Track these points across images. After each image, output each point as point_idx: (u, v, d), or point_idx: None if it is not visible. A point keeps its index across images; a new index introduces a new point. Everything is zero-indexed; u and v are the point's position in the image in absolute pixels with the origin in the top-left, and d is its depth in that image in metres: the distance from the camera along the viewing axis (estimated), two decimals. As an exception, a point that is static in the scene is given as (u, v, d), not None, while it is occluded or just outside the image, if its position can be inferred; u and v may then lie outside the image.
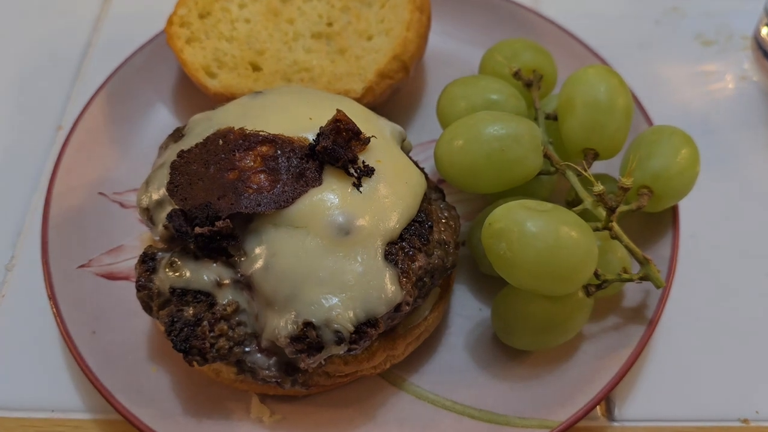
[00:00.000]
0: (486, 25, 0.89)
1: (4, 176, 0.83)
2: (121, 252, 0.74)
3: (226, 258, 0.59)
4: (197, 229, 0.58)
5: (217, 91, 0.78)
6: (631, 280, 0.63)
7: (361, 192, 0.59)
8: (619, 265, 0.64)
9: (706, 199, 0.79)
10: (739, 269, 0.75)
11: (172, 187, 0.61)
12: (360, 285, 0.56)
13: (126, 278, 0.72)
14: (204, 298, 0.59)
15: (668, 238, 0.71)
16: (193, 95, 0.84)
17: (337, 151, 0.59)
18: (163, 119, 0.84)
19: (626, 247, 0.64)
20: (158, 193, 0.62)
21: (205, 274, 0.59)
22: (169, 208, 0.61)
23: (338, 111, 0.60)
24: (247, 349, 0.59)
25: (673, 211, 0.72)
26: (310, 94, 0.70)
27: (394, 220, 0.59)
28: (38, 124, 0.88)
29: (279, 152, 0.61)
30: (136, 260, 0.62)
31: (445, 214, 0.65)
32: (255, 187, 0.59)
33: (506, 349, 0.67)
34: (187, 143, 0.64)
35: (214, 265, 0.59)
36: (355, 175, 0.60)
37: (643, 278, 0.64)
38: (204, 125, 0.66)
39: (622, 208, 0.64)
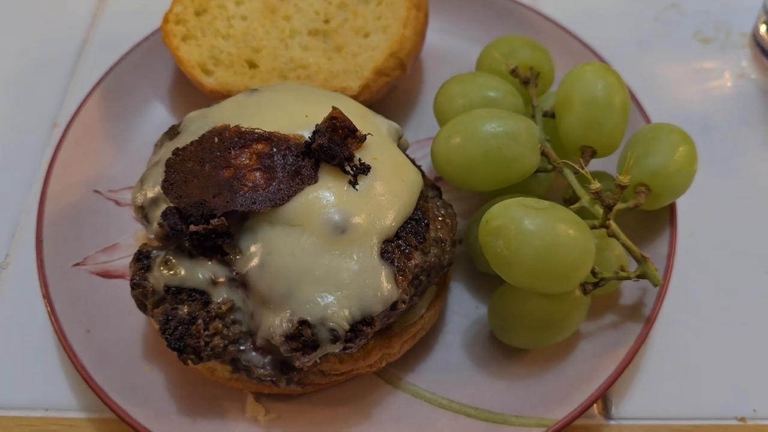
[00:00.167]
0: (483, 22, 0.88)
1: (-1, 174, 0.83)
2: (116, 250, 0.74)
3: (221, 256, 0.59)
4: (192, 227, 0.58)
5: (213, 88, 0.78)
6: (628, 278, 0.63)
7: (357, 190, 0.59)
8: (616, 263, 0.64)
9: (705, 197, 0.79)
10: (737, 267, 0.75)
11: (167, 185, 0.60)
12: (356, 283, 0.56)
13: (121, 276, 0.71)
14: (199, 296, 0.58)
15: (666, 236, 0.70)
16: (189, 93, 0.83)
17: (333, 149, 0.59)
18: (159, 117, 0.83)
19: (623, 245, 0.64)
20: (153, 191, 0.62)
21: (200, 273, 0.59)
22: (164, 206, 0.60)
23: (334, 108, 0.60)
24: (242, 348, 0.59)
25: (671, 209, 0.71)
26: (306, 92, 0.69)
27: (390, 218, 0.59)
28: (34, 122, 0.87)
29: (275, 150, 0.61)
30: (131, 258, 0.61)
31: (442, 212, 0.65)
32: (250, 184, 0.59)
33: (503, 347, 0.67)
34: (182, 141, 0.64)
35: (209, 263, 0.59)
36: (351, 172, 0.60)
37: (641, 276, 0.63)
38: (199, 123, 0.65)
39: (620, 205, 0.64)
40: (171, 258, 0.59)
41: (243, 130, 0.62)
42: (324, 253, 0.57)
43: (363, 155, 0.61)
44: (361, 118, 0.64)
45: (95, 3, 1.00)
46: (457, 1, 0.90)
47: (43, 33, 0.96)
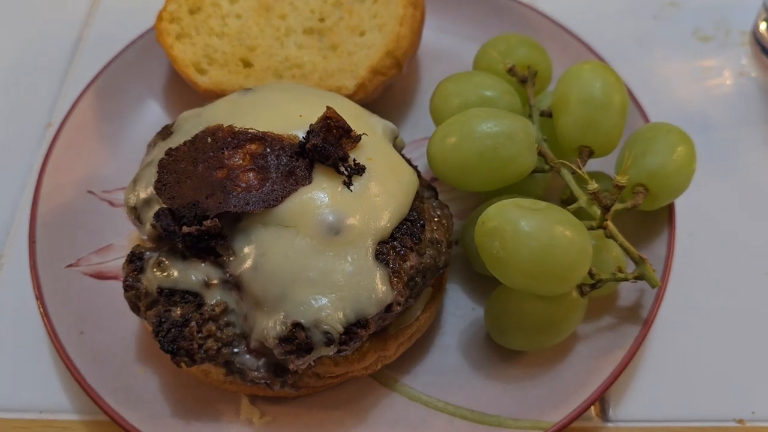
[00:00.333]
0: (480, 21, 0.88)
1: (-8, 174, 0.83)
2: (110, 251, 0.73)
3: (214, 258, 0.58)
4: (185, 229, 0.57)
5: (208, 87, 0.77)
6: (626, 279, 0.62)
7: (351, 191, 0.58)
8: (613, 264, 0.63)
9: (704, 197, 0.78)
10: (736, 268, 0.74)
11: (160, 186, 0.60)
12: (350, 285, 0.56)
13: (115, 278, 0.71)
14: (192, 298, 0.58)
15: (664, 236, 0.70)
16: (184, 92, 0.83)
17: (327, 149, 0.58)
18: (153, 116, 0.83)
19: (621, 246, 0.63)
20: (146, 191, 0.61)
21: (193, 274, 0.58)
22: (156, 207, 0.60)
23: (328, 108, 0.59)
24: (235, 350, 0.58)
25: (670, 210, 0.71)
26: (300, 91, 0.69)
27: (385, 219, 0.59)
28: (27, 121, 0.87)
29: (268, 150, 0.60)
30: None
31: (438, 213, 0.64)
32: (244, 185, 0.58)
33: (500, 349, 0.66)
34: (175, 141, 0.63)
35: (203, 264, 0.58)
36: (346, 173, 0.59)
37: (638, 278, 0.63)
38: (193, 122, 0.65)
39: (617, 206, 0.64)
40: (164, 259, 0.59)
41: (236, 130, 0.61)
42: (318, 255, 0.56)
43: (358, 155, 0.60)
44: (355, 117, 0.64)
45: (89, 1, 0.99)
46: (454, -1, 0.90)
47: (37, 31, 0.95)
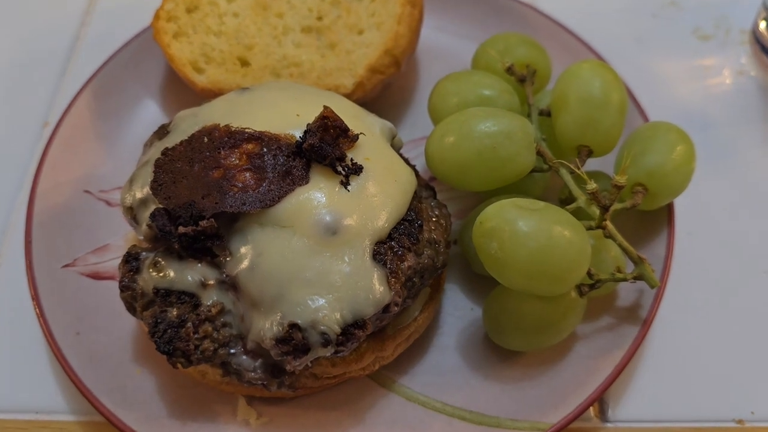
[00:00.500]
0: (479, 19, 0.87)
1: (-11, 173, 0.82)
2: (106, 251, 0.73)
3: (210, 258, 0.58)
4: (181, 229, 0.57)
5: (205, 86, 0.77)
6: (624, 279, 0.62)
7: (348, 190, 0.58)
8: (612, 264, 0.63)
9: (703, 196, 0.78)
10: (736, 267, 0.74)
11: (156, 186, 0.60)
12: (347, 286, 0.55)
13: (111, 278, 0.71)
14: (188, 298, 0.57)
15: (663, 236, 0.69)
16: (181, 91, 0.82)
17: (325, 149, 0.58)
18: (150, 115, 0.82)
19: (620, 246, 0.63)
20: (142, 191, 0.61)
21: (189, 275, 0.58)
22: (152, 207, 0.59)
23: (325, 107, 0.59)
24: (232, 351, 0.58)
25: (669, 209, 0.70)
26: (298, 90, 0.68)
27: (382, 219, 0.58)
28: (24, 121, 0.86)
29: (265, 150, 0.60)
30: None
31: (436, 213, 0.64)
32: (240, 185, 0.58)
33: (498, 349, 0.66)
34: (171, 140, 0.63)
35: (199, 265, 0.58)
36: (343, 173, 0.59)
37: (637, 278, 0.63)
38: (189, 122, 0.64)
39: (616, 206, 0.63)
40: (160, 260, 0.59)
41: (233, 129, 0.61)
42: (315, 255, 0.56)
43: (355, 155, 0.60)
44: (353, 117, 0.63)
45: (86, 0, 0.98)
46: (453, -2, 0.89)
47: (34, 30, 0.95)
